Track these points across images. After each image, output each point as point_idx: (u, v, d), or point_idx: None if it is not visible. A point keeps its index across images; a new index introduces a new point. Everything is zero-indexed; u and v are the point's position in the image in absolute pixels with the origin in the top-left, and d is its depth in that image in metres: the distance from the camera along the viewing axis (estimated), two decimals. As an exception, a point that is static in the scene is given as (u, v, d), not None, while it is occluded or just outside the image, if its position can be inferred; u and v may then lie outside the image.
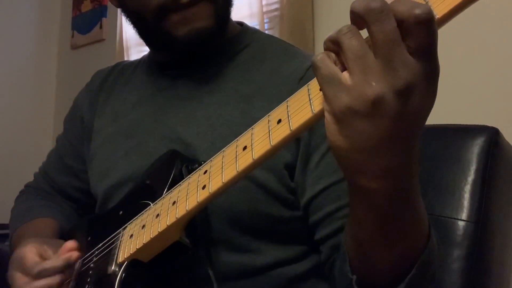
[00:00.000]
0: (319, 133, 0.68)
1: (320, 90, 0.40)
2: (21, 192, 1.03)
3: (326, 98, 0.40)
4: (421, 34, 0.36)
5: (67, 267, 0.69)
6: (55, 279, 0.68)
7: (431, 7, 0.37)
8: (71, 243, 0.70)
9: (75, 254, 0.69)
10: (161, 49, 0.82)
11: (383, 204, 0.45)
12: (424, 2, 0.38)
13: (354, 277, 0.53)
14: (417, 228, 0.50)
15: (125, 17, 0.80)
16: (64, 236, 0.83)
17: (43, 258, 0.71)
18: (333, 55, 0.40)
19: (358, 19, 0.38)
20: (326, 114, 0.40)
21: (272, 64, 0.76)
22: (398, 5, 0.37)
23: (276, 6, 1.81)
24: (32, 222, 0.88)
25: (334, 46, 0.40)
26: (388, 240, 0.49)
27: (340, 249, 0.60)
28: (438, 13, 0.37)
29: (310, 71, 0.71)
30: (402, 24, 0.36)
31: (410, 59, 0.37)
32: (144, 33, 0.79)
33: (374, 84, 0.37)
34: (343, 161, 0.43)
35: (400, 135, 0.39)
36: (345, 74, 0.39)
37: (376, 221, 0.47)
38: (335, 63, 0.40)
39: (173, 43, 0.73)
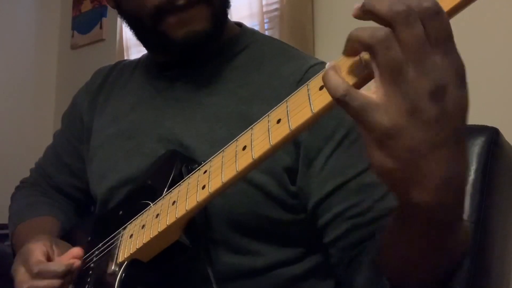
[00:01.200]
0: (320, 136, 0.67)
1: (356, 120, 0.38)
2: (17, 188, 1.02)
3: (365, 127, 0.38)
4: (437, 26, 0.35)
5: (68, 273, 0.68)
6: (53, 283, 0.67)
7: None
8: (77, 251, 0.70)
9: (77, 263, 0.69)
10: (159, 51, 0.82)
11: (443, 218, 0.42)
12: None
13: None
14: (462, 238, 0.48)
15: (122, 19, 0.80)
16: (65, 235, 0.83)
17: (49, 258, 0.71)
18: (348, 62, 0.39)
19: (380, 21, 0.36)
20: (368, 143, 0.38)
21: (271, 66, 0.76)
22: (410, 1, 0.36)
23: (276, 6, 1.81)
24: (34, 220, 0.87)
25: (362, 48, 0.38)
26: (442, 253, 0.47)
27: (365, 266, 0.58)
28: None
29: (309, 73, 0.71)
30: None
31: (438, 58, 0.36)
32: (141, 35, 0.79)
33: (409, 94, 0.36)
34: (397, 183, 0.40)
35: (449, 138, 0.37)
36: (374, 94, 0.37)
37: (433, 237, 0.44)
38: (352, 68, 0.38)
39: (170, 46, 0.73)
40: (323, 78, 0.39)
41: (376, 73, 0.37)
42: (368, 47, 0.37)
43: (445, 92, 0.36)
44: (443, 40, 0.36)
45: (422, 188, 0.38)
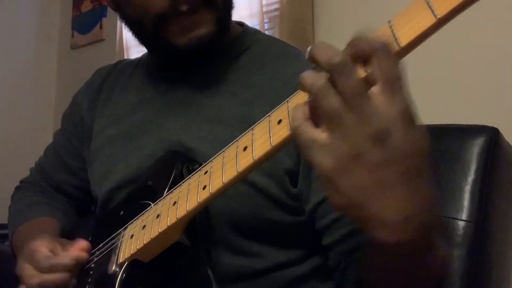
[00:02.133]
0: None
1: (304, 155, 0.40)
2: (17, 188, 1.02)
3: (312, 163, 0.39)
4: (384, 67, 0.37)
5: (76, 266, 0.68)
6: (64, 276, 0.67)
7: (397, 37, 0.38)
8: (84, 243, 0.70)
9: (84, 255, 0.69)
10: (161, 55, 0.81)
11: (408, 253, 0.43)
12: (390, 34, 0.39)
13: None
14: (438, 264, 0.49)
15: (124, 24, 0.79)
16: (65, 236, 0.83)
17: (53, 253, 0.70)
18: (306, 108, 0.41)
19: (325, 69, 0.38)
20: (318, 177, 0.40)
21: (273, 67, 0.75)
22: (360, 42, 0.37)
23: (276, 6, 1.81)
24: (34, 221, 0.87)
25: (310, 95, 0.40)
26: (416, 279, 0.48)
27: (353, 267, 0.59)
28: (439, 13, 0.37)
29: None
30: (368, 60, 0.37)
31: (380, 103, 0.36)
32: (143, 40, 0.78)
33: (350, 138, 0.37)
34: (353, 219, 0.41)
35: (400, 179, 0.37)
36: (323, 134, 0.39)
37: (403, 267, 0.45)
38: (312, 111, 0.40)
39: (173, 51, 0.72)
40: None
41: (325, 113, 0.38)
42: (310, 94, 0.39)
43: (388, 135, 0.37)
44: (386, 84, 0.37)
45: (378, 227, 0.39)
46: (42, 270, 0.67)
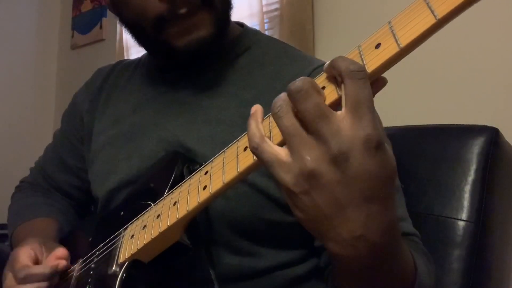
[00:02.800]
0: None
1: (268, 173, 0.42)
2: (17, 187, 1.02)
3: (274, 179, 0.41)
4: (351, 91, 0.38)
5: (54, 274, 0.68)
6: (39, 285, 0.67)
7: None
8: (61, 252, 0.70)
9: (62, 263, 0.69)
10: (161, 57, 0.81)
11: (359, 268, 0.44)
12: (360, 62, 0.40)
13: None
14: (397, 279, 0.49)
15: (123, 27, 0.79)
16: (66, 236, 0.83)
17: (36, 261, 0.70)
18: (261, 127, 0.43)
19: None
20: (281, 192, 0.41)
21: (273, 67, 0.75)
22: (339, 61, 0.39)
23: (276, 6, 1.81)
24: (33, 221, 0.87)
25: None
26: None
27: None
28: (439, 13, 0.38)
29: (312, 75, 0.71)
30: (340, 79, 0.38)
31: (341, 127, 0.37)
32: (143, 42, 0.78)
33: (308, 158, 0.38)
34: (312, 232, 0.43)
35: (355, 200, 0.38)
36: (284, 152, 0.40)
37: (365, 278, 0.47)
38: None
39: (173, 53, 0.72)
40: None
41: (284, 134, 0.40)
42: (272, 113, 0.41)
43: (344, 159, 0.37)
44: (350, 108, 0.38)
45: (333, 242, 0.41)
46: (18, 280, 0.68)
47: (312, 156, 0.38)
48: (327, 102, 0.41)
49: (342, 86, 0.39)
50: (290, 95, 0.39)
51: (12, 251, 0.73)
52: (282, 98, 0.40)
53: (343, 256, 0.42)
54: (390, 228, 0.41)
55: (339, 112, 0.38)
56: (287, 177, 0.39)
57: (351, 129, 0.37)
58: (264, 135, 0.42)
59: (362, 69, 0.38)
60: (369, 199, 0.39)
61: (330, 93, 0.41)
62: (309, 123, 0.38)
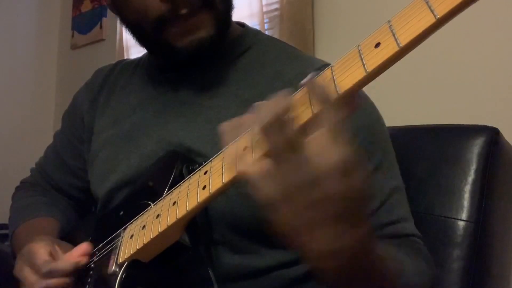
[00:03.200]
0: None
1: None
2: (17, 188, 1.02)
3: (254, 189, 0.43)
4: (324, 116, 0.40)
5: (76, 270, 0.68)
6: (64, 280, 0.67)
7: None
8: (85, 247, 0.70)
9: (84, 260, 0.69)
10: (161, 57, 0.81)
11: (334, 278, 0.46)
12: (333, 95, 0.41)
13: None
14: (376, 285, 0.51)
15: (124, 27, 0.79)
16: (65, 236, 0.83)
17: (53, 257, 0.70)
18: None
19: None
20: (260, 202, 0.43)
21: (274, 67, 0.75)
22: (309, 86, 0.42)
23: (276, 6, 1.81)
24: (33, 221, 0.87)
25: None
26: None
27: None
28: (439, 13, 0.37)
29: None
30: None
31: (313, 152, 0.39)
32: (143, 43, 0.78)
33: (286, 177, 0.40)
34: (286, 242, 0.44)
35: (327, 221, 0.41)
36: (269, 164, 0.42)
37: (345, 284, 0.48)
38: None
39: (174, 54, 0.72)
40: None
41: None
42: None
43: (317, 183, 0.39)
44: (322, 133, 0.39)
45: (307, 254, 0.43)
46: (42, 275, 0.67)
47: (288, 175, 0.40)
48: (301, 121, 0.42)
49: (315, 109, 0.41)
50: (263, 129, 0.41)
51: (25, 247, 0.73)
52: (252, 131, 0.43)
53: (317, 268, 0.44)
54: (360, 242, 0.43)
55: (313, 135, 0.40)
56: (267, 189, 0.42)
57: (321, 154, 0.39)
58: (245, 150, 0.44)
59: (329, 96, 0.40)
60: (342, 218, 0.41)
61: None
62: (283, 150, 0.40)
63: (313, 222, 0.41)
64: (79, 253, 0.69)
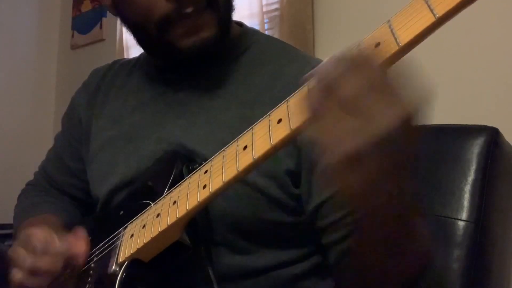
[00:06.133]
0: None
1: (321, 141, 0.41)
2: (22, 190, 1.03)
3: (330, 146, 0.40)
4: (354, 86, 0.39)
5: (71, 257, 0.67)
6: (57, 261, 0.65)
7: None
8: (83, 233, 0.69)
9: (83, 248, 0.68)
10: (162, 58, 0.81)
11: (382, 237, 0.48)
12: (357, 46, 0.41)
13: None
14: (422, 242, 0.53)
15: (125, 27, 0.78)
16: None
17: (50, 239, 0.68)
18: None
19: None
20: (332, 161, 0.41)
21: (273, 67, 0.75)
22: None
23: (276, 6, 1.81)
24: (37, 217, 0.87)
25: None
26: (402, 255, 0.52)
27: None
28: (438, 12, 0.38)
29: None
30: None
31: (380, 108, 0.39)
32: (145, 43, 0.78)
33: (376, 121, 0.39)
34: (356, 198, 0.45)
35: (389, 183, 0.42)
36: (346, 117, 0.40)
37: (383, 238, 0.49)
38: None
39: (176, 54, 0.72)
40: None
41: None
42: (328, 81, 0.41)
43: (412, 119, 0.40)
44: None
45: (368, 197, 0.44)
46: (36, 252, 0.65)
47: (381, 118, 0.38)
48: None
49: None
50: (355, 62, 0.38)
51: (21, 233, 0.71)
52: (331, 69, 0.40)
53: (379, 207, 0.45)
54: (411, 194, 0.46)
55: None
56: (353, 142, 0.39)
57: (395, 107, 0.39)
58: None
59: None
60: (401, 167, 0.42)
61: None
62: (350, 106, 0.39)
63: (397, 163, 0.41)
64: (78, 237, 0.68)
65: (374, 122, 0.38)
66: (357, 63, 0.39)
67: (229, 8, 0.75)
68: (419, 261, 0.54)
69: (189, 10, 0.68)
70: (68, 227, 0.86)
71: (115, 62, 0.96)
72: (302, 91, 0.45)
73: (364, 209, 0.46)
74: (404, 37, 0.39)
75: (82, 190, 0.94)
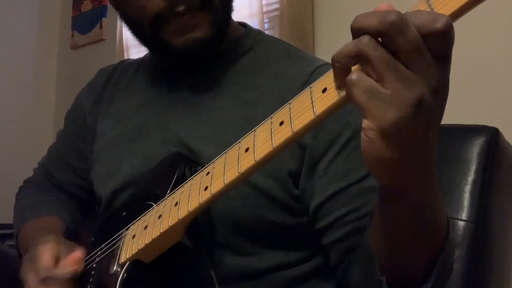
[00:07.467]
0: (325, 139, 0.68)
1: (361, 109, 0.39)
2: (20, 188, 1.02)
3: (370, 115, 0.38)
4: (442, 45, 0.37)
5: (73, 276, 0.68)
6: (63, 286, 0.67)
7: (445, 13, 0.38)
8: (79, 254, 0.69)
9: (80, 268, 0.69)
10: (160, 56, 0.82)
11: (423, 199, 0.46)
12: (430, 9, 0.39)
13: (384, 278, 0.52)
14: (442, 221, 0.51)
15: (124, 23, 0.79)
16: (69, 236, 0.83)
17: (57, 260, 0.69)
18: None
19: (374, 34, 0.38)
20: (371, 133, 0.39)
21: (276, 68, 0.75)
22: (416, 19, 0.37)
23: (276, 6, 1.81)
24: (38, 220, 0.87)
25: (354, 60, 0.39)
26: (424, 233, 0.49)
27: (359, 253, 0.60)
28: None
29: (314, 74, 0.71)
30: (424, 38, 0.37)
31: (434, 61, 0.38)
32: (142, 40, 0.78)
33: (412, 88, 0.37)
34: (390, 173, 0.42)
35: (436, 129, 0.41)
36: (383, 85, 0.38)
37: (415, 216, 0.47)
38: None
39: (170, 52, 0.73)
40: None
41: (382, 65, 0.37)
42: (357, 55, 0.38)
43: (442, 88, 0.40)
44: (443, 54, 0.39)
45: (409, 175, 0.43)
46: (40, 281, 0.67)
47: (416, 85, 0.37)
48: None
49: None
50: (387, 28, 0.36)
51: (30, 250, 0.72)
52: (366, 34, 0.38)
53: (413, 188, 0.44)
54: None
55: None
56: (390, 110, 0.37)
57: (441, 63, 0.39)
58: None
59: (449, 22, 0.37)
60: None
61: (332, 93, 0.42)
62: (410, 56, 0.37)
63: (433, 132, 0.41)
64: (72, 260, 0.68)
65: (433, 75, 0.38)
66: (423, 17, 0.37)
67: (226, 9, 0.75)
68: (442, 232, 0.52)
69: (181, 8, 0.68)
70: (70, 228, 0.86)
71: (121, 62, 0.96)
72: (305, 93, 0.46)
73: (409, 170, 0.42)
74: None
75: (83, 188, 0.94)
